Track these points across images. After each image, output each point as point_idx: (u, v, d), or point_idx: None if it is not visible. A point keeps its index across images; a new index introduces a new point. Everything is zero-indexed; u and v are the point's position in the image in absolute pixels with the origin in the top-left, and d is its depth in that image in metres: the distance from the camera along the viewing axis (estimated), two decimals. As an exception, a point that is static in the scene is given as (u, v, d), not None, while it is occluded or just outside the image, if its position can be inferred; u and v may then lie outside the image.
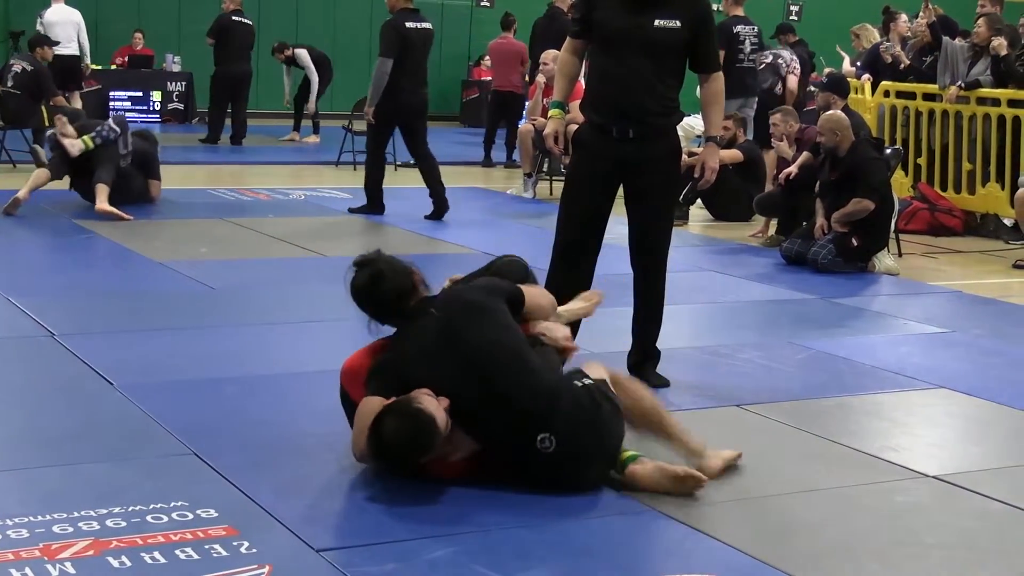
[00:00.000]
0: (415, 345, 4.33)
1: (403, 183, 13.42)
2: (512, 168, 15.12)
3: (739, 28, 12.38)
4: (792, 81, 12.69)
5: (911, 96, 11.99)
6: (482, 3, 22.62)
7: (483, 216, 11.15)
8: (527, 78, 15.07)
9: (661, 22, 5.41)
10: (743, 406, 5.45)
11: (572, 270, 5.70)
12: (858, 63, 13.61)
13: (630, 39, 5.44)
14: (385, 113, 10.56)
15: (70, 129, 9.96)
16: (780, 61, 12.67)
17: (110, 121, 10.15)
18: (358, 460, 4.26)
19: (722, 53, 12.61)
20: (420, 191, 10.64)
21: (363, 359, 4.45)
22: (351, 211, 10.74)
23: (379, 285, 4.39)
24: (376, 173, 10.80)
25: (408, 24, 10.47)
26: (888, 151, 10.01)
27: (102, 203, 9.63)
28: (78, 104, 14.64)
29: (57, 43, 14.40)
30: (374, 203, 10.76)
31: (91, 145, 9.88)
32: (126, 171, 10.15)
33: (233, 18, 16.04)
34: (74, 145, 9.86)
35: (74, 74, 15.55)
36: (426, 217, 10.61)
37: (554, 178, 12.68)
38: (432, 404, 4.08)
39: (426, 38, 10.68)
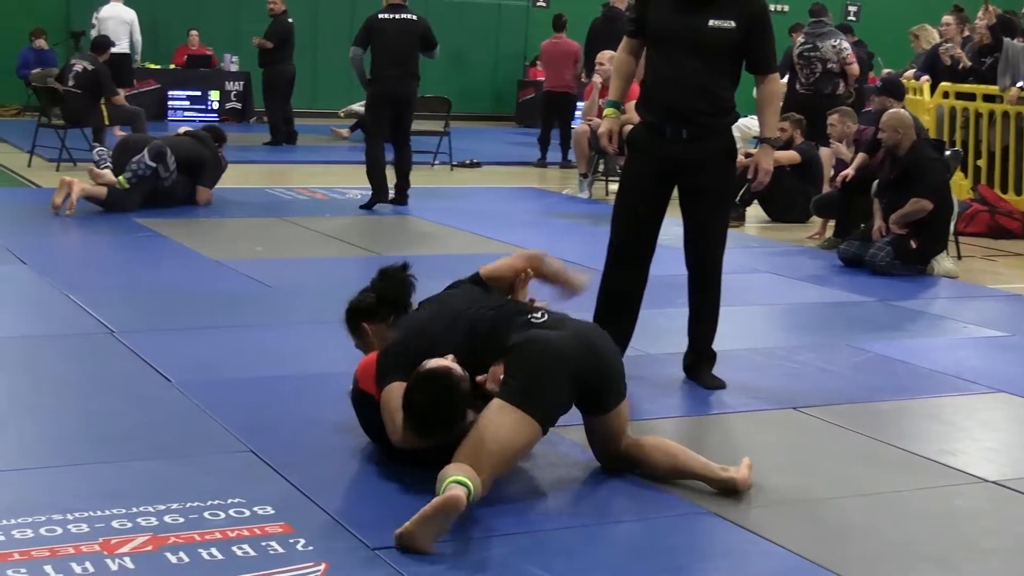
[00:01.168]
0: (410, 324, 4.46)
1: (458, 183, 13.45)
2: (567, 169, 15.11)
3: None
4: (853, 70, 12.38)
5: (971, 97, 11.88)
6: (538, 3, 22.63)
7: (538, 217, 11.15)
8: (583, 78, 15.06)
9: (716, 22, 5.39)
10: (799, 408, 5.42)
11: (626, 271, 5.70)
12: (915, 64, 13.47)
13: (683, 39, 5.42)
14: (375, 98, 10.96)
15: (107, 178, 9.97)
16: (831, 66, 12.33)
17: (145, 155, 10.01)
18: (402, 448, 4.24)
19: None
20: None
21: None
22: (362, 208, 10.98)
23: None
24: (372, 159, 11.01)
25: (381, 15, 10.96)
26: (948, 153, 9.92)
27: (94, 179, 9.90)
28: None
29: (114, 44, 14.53)
30: (377, 191, 10.98)
31: (125, 186, 9.92)
32: (170, 188, 10.24)
33: (290, 20, 16.21)
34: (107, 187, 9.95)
35: (122, 73, 15.64)
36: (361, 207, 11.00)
37: (610, 179, 12.65)
38: (441, 362, 4.14)
39: (402, 28, 10.97)
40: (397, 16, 10.93)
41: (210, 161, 10.60)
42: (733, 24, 5.41)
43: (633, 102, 6.03)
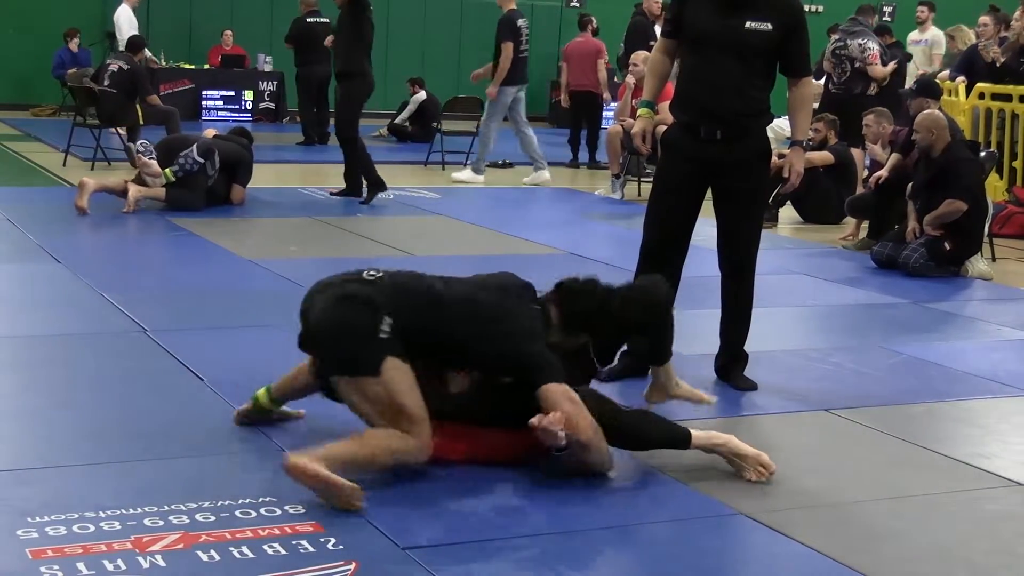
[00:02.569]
0: None
1: (491, 184, 13.45)
2: (595, 169, 15.09)
3: (520, 21, 13.32)
4: (874, 70, 12.30)
5: (1007, 98, 11.80)
6: (571, 3, 22.62)
7: (570, 217, 11.15)
8: (615, 78, 15.07)
9: (752, 24, 5.37)
10: (832, 410, 5.40)
11: (658, 271, 5.66)
12: (950, 66, 13.38)
13: (720, 40, 5.41)
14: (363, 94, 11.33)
15: (154, 167, 10.02)
16: (859, 65, 12.28)
17: (194, 151, 10.07)
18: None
19: (510, 44, 13.07)
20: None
21: None
22: (332, 195, 11.36)
23: None
24: (365, 156, 11.26)
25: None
26: (983, 154, 9.86)
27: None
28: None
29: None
30: (373, 183, 11.22)
31: (172, 178, 9.98)
32: (212, 187, 10.29)
33: (308, 20, 16.07)
34: (156, 181, 9.98)
35: None
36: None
37: (642, 179, 12.63)
38: None
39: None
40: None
41: (247, 160, 10.67)
42: (770, 26, 5.39)
43: (667, 103, 6.02)
